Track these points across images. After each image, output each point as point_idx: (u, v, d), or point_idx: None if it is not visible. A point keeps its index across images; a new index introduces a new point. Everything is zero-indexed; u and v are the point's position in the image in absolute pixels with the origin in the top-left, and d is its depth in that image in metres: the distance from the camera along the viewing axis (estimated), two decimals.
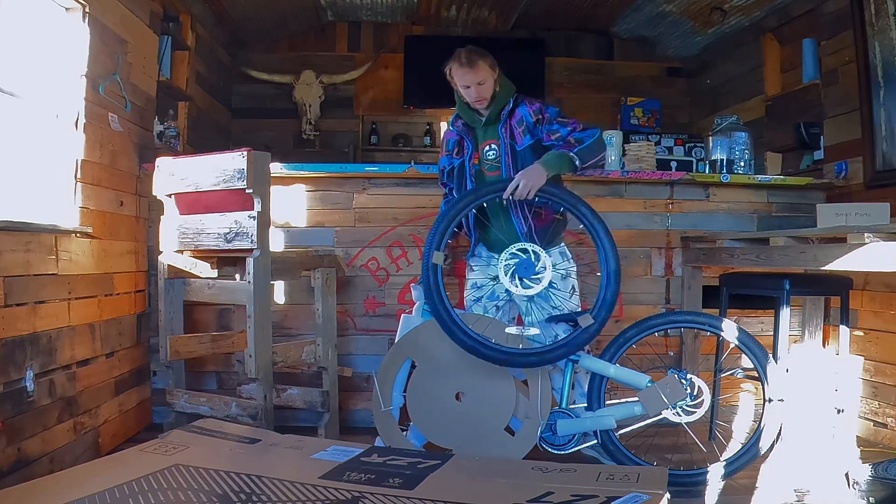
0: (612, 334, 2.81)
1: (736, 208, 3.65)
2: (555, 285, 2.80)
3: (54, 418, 2.57)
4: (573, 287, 2.86)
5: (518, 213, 2.72)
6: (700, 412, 2.55)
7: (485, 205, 2.71)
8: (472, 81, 2.72)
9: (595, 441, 2.65)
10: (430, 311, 2.66)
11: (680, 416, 2.55)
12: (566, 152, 2.63)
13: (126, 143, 3.22)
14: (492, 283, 2.84)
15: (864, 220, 2.91)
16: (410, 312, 2.87)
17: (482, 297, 2.87)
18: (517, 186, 2.56)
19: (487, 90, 2.74)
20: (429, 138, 6.13)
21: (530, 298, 2.79)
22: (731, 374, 3.03)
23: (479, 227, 2.87)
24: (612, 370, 2.65)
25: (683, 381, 2.55)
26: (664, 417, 2.57)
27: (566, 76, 6.16)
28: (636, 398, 2.61)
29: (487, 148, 2.82)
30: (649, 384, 2.59)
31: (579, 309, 2.86)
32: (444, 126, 6.15)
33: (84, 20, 2.80)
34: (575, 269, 2.90)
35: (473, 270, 2.92)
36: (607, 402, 2.70)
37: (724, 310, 3.07)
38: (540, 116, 2.75)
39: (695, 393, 2.56)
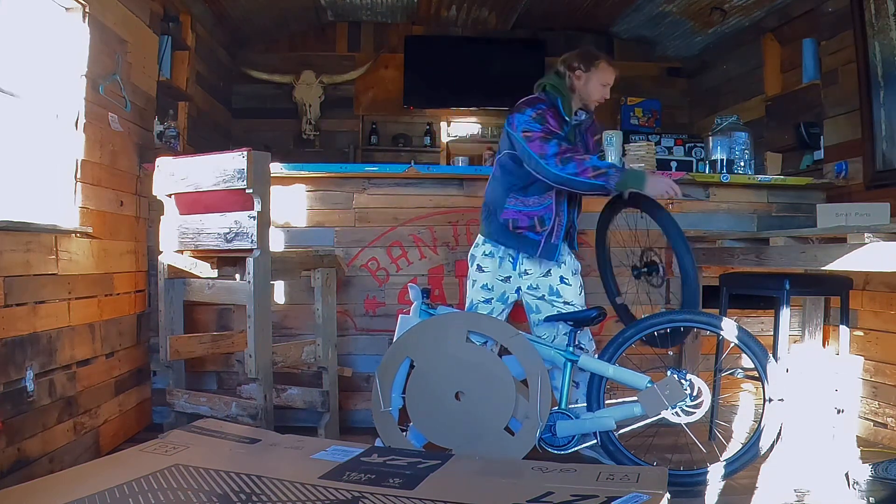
0: (611, 335, 2.82)
1: (736, 208, 3.65)
2: (566, 280, 2.84)
3: (54, 418, 2.57)
4: (581, 285, 2.90)
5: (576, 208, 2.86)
6: (700, 413, 2.55)
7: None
8: (613, 81, 2.84)
9: (595, 441, 2.66)
10: None
11: (679, 416, 2.55)
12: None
13: (126, 143, 3.22)
14: (502, 283, 2.86)
15: (864, 220, 2.90)
16: (409, 313, 2.87)
17: (493, 298, 2.87)
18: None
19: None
20: (429, 138, 6.13)
21: (541, 297, 2.84)
22: (731, 374, 3.03)
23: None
24: (611, 370, 2.65)
25: (683, 381, 2.55)
26: (664, 418, 2.57)
27: None
28: (635, 398, 2.61)
29: None
30: (649, 385, 2.59)
31: (584, 306, 2.87)
32: (444, 126, 6.15)
33: (84, 20, 2.80)
34: (580, 267, 2.93)
35: (484, 271, 2.88)
36: (607, 402, 2.70)
37: (724, 310, 3.06)
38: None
39: (694, 393, 2.56)
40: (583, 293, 2.90)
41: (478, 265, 2.90)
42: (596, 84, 2.82)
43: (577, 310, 2.83)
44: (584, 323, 2.70)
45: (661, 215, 2.78)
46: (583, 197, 2.89)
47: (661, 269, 2.94)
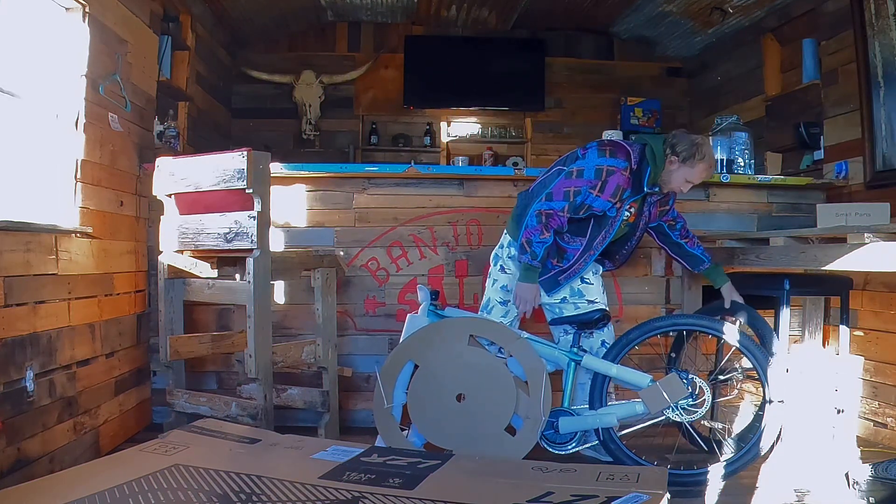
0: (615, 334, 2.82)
1: (736, 208, 3.65)
2: (587, 280, 2.89)
3: (54, 418, 2.57)
4: (602, 283, 2.94)
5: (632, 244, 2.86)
6: (701, 411, 2.56)
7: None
8: (699, 182, 2.74)
9: (596, 441, 2.66)
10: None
11: (681, 415, 2.56)
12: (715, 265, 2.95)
13: (126, 143, 3.22)
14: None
15: (864, 220, 2.91)
16: (413, 311, 2.87)
17: (510, 300, 2.88)
18: None
19: None
20: (429, 138, 6.14)
21: (562, 299, 2.88)
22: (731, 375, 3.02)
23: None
24: (614, 370, 2.66)
25: (684, 380, 2.56)
26: (666, 417, 2.57)
27: (566, 76, 6.16)
28: (638, 398, 2.62)
29: (627, 209, 2.77)
30: (651, 383, 2.60)
31: (604, 306, 2.89)
32: (444, 126, 6.16)
33: (84, 20, 2.80)
34: (600, 268, 2.96)
35: (506, 272, 2.88)
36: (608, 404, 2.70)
37: None
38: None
39: (696, 392, 2.57)
40: (605, 292, 2.94)
41: (501, 266, 2.90)
42: (681, 177, 2.70)
43: (598, 307, 2.85)
44: (587, 325, 2.72)
45: (759, 324, 2.83)
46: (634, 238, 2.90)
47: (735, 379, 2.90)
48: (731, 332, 2.67)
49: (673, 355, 3.01)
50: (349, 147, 5.94)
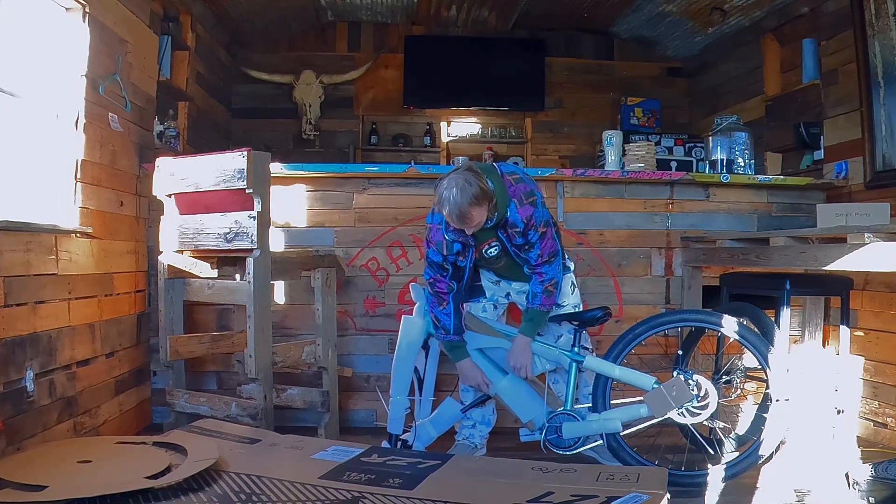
0: (611, 335, 2.82)
1: (736, 208, 3.65)
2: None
3: (54, 418, 2.57)
4: (572, 283, 2.88)
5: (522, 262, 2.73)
6: (706, 413, 2.53)
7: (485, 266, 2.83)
8: (468, 230, 2.55)
9: (600, 441, 2.65)
10: None
11: (685, 417, 2.54)
12: (539, 310, 2.70)
13: (126, 143, 3.22)
14: (493, 286, 2.90)
15: (864, 220, 2.91)
16: (411, 313, 2.87)
17: (483, 299, 2.91)
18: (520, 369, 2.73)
19: (481, 223, 2.54)
20: (429, 138, 6.13)
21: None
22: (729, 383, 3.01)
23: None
24: (617, 371, 2.64)
25: (690, 382, 2.54)
26: (669, 418, 2.56)
27: (566, 76, 6.16)
28: (641, 398, 2.60)
29: (488, 247, 2.69)
30: (655, 385, 2.58)
31: (580, 305, 2.87)
32: (444, 126, 6.15)
33: (84, 20, 2.81)
34: (573, 265, 2.93)
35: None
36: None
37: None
38: (530, 222, 2.60)
39: (701, 394, 2.54)
40: (576, 291, 2.89)
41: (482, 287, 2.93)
42: None
43: (570, 308, 2.83)
44: (590, 323, 2.69)
45: (764, 323, 2.80)
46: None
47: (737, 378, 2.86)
48: (730, 326, 2.66)
49: (681, 353, 2.98)
50: (349, 147, 5.94)
